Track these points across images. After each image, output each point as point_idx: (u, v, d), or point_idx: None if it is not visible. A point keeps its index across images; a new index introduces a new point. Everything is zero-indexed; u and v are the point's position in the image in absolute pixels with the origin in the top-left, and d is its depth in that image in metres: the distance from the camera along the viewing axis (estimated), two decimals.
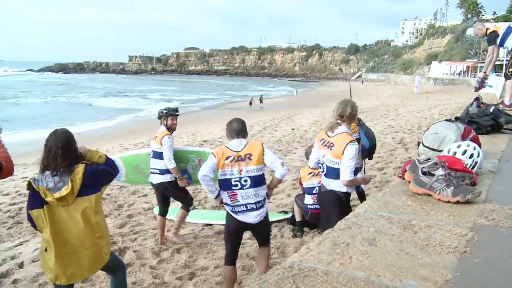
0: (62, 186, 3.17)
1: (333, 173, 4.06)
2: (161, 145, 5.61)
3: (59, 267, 3.23)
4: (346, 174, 3.94)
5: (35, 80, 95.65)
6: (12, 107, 39.86)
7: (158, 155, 5.68)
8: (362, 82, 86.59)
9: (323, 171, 4.21)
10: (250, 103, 38.29)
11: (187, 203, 6.02)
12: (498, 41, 6.99)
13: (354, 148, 3.94)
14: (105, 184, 3.46)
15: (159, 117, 5.91)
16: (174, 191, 5.90)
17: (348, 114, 4.08)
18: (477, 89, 7.60)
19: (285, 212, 6.99)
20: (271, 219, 6.81)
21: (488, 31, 7.09)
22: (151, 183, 5.95)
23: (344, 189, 4.10)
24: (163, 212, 6.02)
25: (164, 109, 5.97)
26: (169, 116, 5.86)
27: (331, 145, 4.03)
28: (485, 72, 7.42)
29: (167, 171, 5.72)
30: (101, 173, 3.39)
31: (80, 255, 3.27)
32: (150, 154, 5.83)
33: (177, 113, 5.97)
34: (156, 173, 5.80)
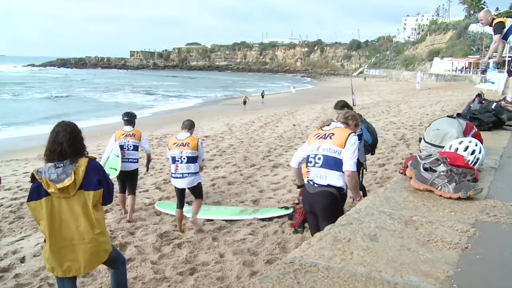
0: (64, 178, 3.18)
1: (332, 162, 3.86)
2: (140, 140, 7.30)
3: (54, 260, 3.26)
4: (350, 164, 3.80)
5: (36, 75, 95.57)
6: (14, 102, 39.85)
7: (137, 148, 7.29)
8: (365, 78, 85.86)
9: (315, 164, 3.93)
10: (244, 102, 31.64)
11: (135, 188, 7.47)
12: (504, 32, 6.95)
13: (355, 139, 3.91)
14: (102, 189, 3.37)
15: (133, 120, 7.49)
16: (136, 176, 7.45)
17: (341, 117, 4.25)
18: (482, 72, 7.69)
19: (286, 208, 6.99)
20: (272, 214, 6.84)
21: (495, 21, 7.03)
22: (123, 170, 7.04)
23: (341, 183, 3.88)
24: (124, 190, 7.40)
25: (134, 114, 7.65)
26: None
27: (331, 134, 3.93)
28: (489, 57, 7.44)
29: (138, 160, 7.36)
30: (104, 174, 3.41)
31: (78, 250, 3.27)
32: (126, 148, 7.13)
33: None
34: (134, 162, 7.24)
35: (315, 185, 3.92)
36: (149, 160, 7.70)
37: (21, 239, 6.48)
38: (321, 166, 3.90)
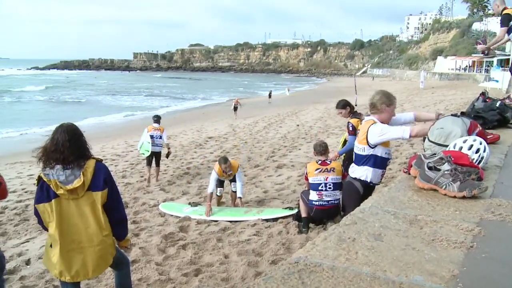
0: (73, 179, 3.17)
1: (358, 159, 4.23)
2: (162, 133, 10.68)
3: (63, 264, 3.22)
4: (399, 135, 3.91)
5: (40, 78, 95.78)
6: (17, 104, 39.97)
7: (161, 137, 10.62)
8: (373, 78, 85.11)
9: (354, 158, 4.37)
10: (235, 108, 25.81)
11: (159, 162, 10.75)
12: (510, 25, 6.69)
13: (377, 125, 3.98)
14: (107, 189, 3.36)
15: (159, 119, 11.04)
16: (160, 155, 10.68)
17: (370, 103, 4.21)
18: (481, 51, 7.42)
19: (291, 208, 6.98)
20: (277, 215, 6.83)
21: (504, 12, 6.71)
22: (153, 151, 10.45)
23: (364, 177, 4.22)
24: (150, 164, 10.51)
25: (160, 116, 11.48)
26: None
27: (358, 130, 4.33)
28: (488, 48, 7.23)
29: (162, 145, 10.69)
30: (110, 176, 3.40)
31: (86, 253, 3.24)
32: (155, 137, 10.53)
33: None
34: (160, 146, 10.62)
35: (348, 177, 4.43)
36: (168, 152, 10.97)
37: (26, 242, 6.50)
38: (353, 161, 4.35)
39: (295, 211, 6.72)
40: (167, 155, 10.93)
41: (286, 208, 7.09)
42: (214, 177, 7.51)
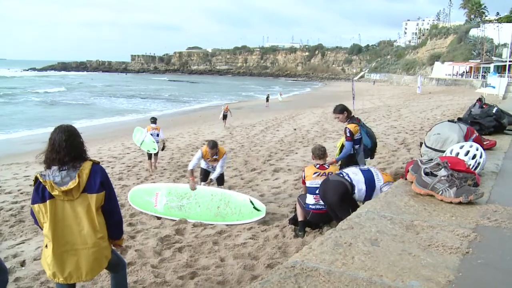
0: (69, 180, 3.17)
1: None
2: (159, 131, 12.28)
3: (56, 265, 3.21)
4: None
5: (38, 79, 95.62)
6: (13, 106, 39.85)
7: (158, 135, 12.17)
8: (374, 82, 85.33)
9: None
10: (225, 117, 22.75)
11: (157, 155, 12.16)
12: None
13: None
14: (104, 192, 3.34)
15: (156, 121, 12.66)
16: (158, 151, 11.89)
17: None
18: None
19: (257, 209, 6.86)
20: (244, 221, 6.80)
21: None
22: (153, 148, 11.77)
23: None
24: (150, 158, 11.89)
25: (156, 118, 13.12)
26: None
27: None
28: None
29: (159, 142, 12.09)
30: (107, 178, 3.38)
31: (80, 255, 3.23)
32: (153, 135, 12.01)
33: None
34: (157, 143, 11.89)
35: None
36: (163, 145, 12.63)
37: (21, 243, 6.47)
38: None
39: (261, 212, 6.71)
40: (163, 148, 12.60)
41: (252, 204, 6.95)
42: (198, 155, 7.76)
